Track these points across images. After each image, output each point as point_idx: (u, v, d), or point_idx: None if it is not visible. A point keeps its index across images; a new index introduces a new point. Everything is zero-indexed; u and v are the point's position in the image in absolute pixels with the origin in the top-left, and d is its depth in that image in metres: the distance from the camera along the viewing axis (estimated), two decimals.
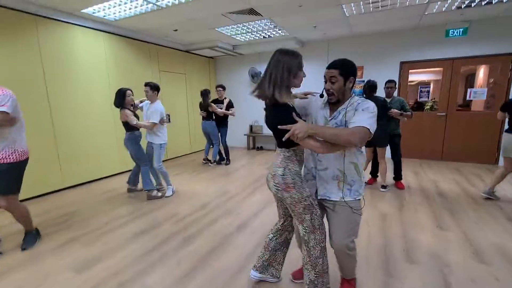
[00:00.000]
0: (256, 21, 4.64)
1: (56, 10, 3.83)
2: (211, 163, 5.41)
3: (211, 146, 5.41)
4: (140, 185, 3.80)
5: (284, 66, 1.44)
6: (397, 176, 3.85)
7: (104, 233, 2.66)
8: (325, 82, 1.52)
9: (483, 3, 3.89)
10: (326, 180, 1.59)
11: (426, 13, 4.29)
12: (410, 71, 5.48)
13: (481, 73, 5.99)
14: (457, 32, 4.84)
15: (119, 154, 4.76)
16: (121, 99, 3.38)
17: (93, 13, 4.02)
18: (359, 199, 1.58)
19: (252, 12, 4.13)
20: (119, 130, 4.34)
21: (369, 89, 3.48)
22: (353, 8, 4.05)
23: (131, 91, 3.48)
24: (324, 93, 1.57)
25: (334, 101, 1.54)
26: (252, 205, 3.30)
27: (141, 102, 3.76)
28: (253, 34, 5.50)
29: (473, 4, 3.93)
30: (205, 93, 5.08)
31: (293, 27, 5.01)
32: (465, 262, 2.04)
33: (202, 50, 6.34)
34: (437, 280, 1.84)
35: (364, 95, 3.51)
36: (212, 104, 5.10)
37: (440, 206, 3.10)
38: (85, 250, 2.36)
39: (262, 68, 6.70)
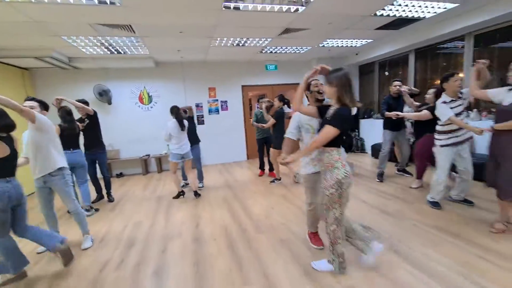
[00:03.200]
0: (123, 37, 4.35)
1: None
2: (88, 210, 3.71)
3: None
4: None
5: None
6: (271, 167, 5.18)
7: None
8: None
9: (287, 51, 6.18)
10: None
11: (259, 52, 6.05)
12: (248, 92, 7.25)
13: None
14: (272, 67, 7.12)
15: None
16: None
17: None
18: None
19: (126, 28, 3.92)
20: None
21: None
22: (218, 41, 4.96)
23: None
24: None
25: None
26: (188, 221, 3.28)
27: None
28: (106, 48, 4.92)
29: (282, 51, 6.12)
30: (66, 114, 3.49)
31: (158, 48, 5.12)
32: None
33: (20, 58, 4.70)
34: None
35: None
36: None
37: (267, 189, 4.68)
38: None
39: (110, 85, 6.06)
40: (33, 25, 3.51)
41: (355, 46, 6.02)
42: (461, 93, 2.89)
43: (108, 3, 3.01)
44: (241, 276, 2.13)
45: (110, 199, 4.40)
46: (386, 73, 6.56)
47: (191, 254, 2.52)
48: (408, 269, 2.06)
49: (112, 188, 4.51)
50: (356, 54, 6.70)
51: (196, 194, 4.21)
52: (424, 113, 3.36)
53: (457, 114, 2.81)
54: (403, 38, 5.26)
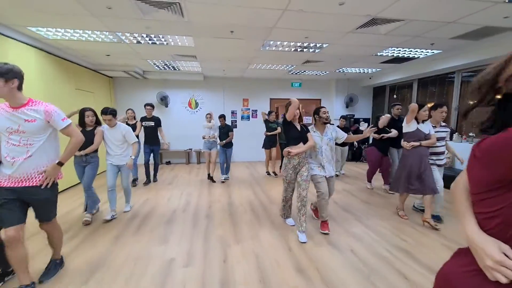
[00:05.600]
0: (187, 61, 6.00)
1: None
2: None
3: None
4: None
5: None
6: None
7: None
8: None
9: (310, 74, 7.50)
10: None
11: (286, 73, 7.45)
12: (275, 104, 8.67)
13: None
14: (296, 85, 8.47)
15: None
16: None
17: (36, 30, 3.91)
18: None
19: (193, 56, 5.53)
20: None
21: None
22: (254, 66, 6.45)
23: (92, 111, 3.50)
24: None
25: None
26: (224, 194, 4.74)
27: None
28: (172, 66, 6.63)
29: (305, 73, 7.45)
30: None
31: (209, 68, 6.74)
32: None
33: (112, 71, 6.56)
34: None
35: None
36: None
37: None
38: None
39: (169, 93, 7.79)
40: (134, 54, 5.25)
41: (367, 72, 7.18)
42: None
43: (187, 44, 4.62)
44: (259, 223, 3.50)
45: (155, 180, 5.72)
46: (395, 96, 7.61)
47: (227, 211, 3.94)
48: (363, 228, 3.29)
49: (158, 172, 5.89)
50: (370, 78, 7.83)
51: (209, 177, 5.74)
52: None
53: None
54: (406, 70, 6.36)
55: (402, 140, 3.54)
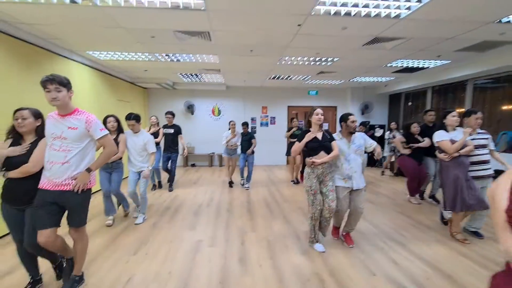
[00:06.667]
0: (212, 74, 6.70)
1: (62, 48, 4.38)
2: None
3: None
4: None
5: None
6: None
7: None
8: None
9: (325, 82, 7.92)
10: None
11: (303, 82, 7.93)
12: (292, 111, 9.15)
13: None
14: (313, 93, 8.91)
15: None
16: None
17: (93, 53, 4.77)
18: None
19: (217, 70, 6.22)
20: None
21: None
22: (271, 76, 7.02)
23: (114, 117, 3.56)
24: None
25: None
26: (242, 194, 5.29)
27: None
28: (197, 78, 7.37)
29: (321, 82, 7.88)
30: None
31: (231, 79, 7.41)
32: None
33: (147, 83, 7.44)
34: None
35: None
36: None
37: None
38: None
39: (195, 101, 8.57)
40: (166, 68, 6.03)
41: (382, 81, 7.47)
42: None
43: (212, 61, 5.29)
44: (272, 215, 4.01)
45: (170, 189, 5.47)
46: (410, 103, 7.79)
47: (245, 206, 4.49)
48: (367, 225, 3.67)
49: (173, 182, 5.64)
50: (385, 86, 8.08)
51: (231, 183, 5.88)
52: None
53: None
54: (419, 78, 6.60)
55: (436, 151, 3.26)
